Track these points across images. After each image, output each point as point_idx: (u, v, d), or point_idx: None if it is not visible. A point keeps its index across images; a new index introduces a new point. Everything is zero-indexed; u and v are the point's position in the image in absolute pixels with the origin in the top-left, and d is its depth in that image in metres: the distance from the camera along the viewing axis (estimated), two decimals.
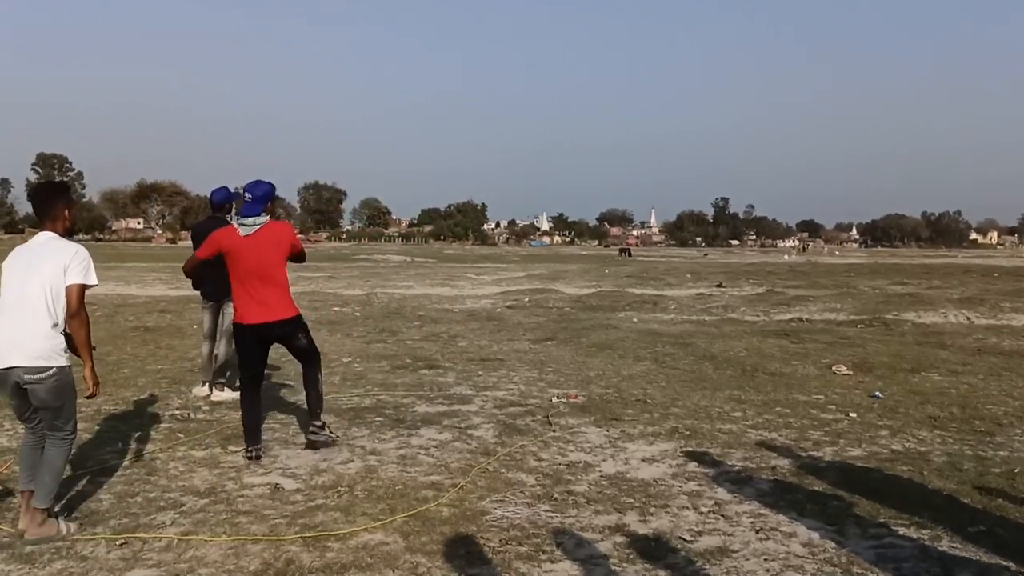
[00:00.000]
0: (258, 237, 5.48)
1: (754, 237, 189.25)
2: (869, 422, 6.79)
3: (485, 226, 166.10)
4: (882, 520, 4.45)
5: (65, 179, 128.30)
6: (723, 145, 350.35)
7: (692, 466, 5.49)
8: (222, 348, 7.63)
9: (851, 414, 7.05)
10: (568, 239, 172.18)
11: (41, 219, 4.37)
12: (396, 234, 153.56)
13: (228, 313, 7.58)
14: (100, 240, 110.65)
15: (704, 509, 4.65)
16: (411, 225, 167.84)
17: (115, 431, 6.24)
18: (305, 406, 6.03)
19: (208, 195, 7.96)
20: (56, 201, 4.38)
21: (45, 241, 4.31)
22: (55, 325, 4.17)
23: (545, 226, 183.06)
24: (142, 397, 7.56)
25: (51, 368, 4.12)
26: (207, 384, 7.65)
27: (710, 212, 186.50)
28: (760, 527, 4.35)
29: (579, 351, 10.88)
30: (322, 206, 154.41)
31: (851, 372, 9.21)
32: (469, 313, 16.44)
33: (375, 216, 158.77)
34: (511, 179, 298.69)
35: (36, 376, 4.09)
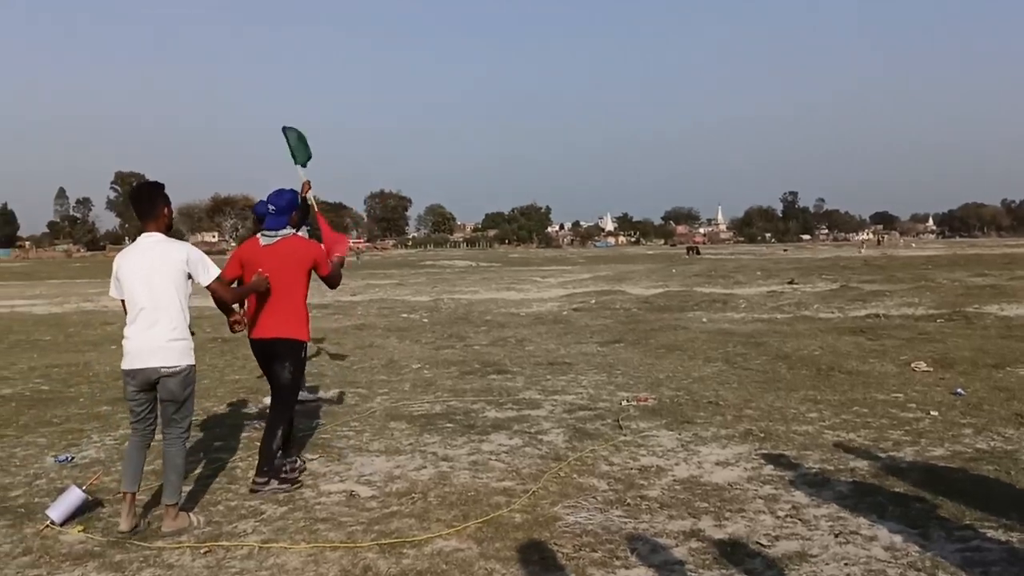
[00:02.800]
0: (277, 249, 5.26)
1: (826, 231, 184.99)
2: (951, 420, 6.58)
3: (549, 228, 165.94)
4: (968, 522, 4.30)
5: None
6: (790, 137, 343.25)
7: (768, 469, 5.40)
8: None
9: (932, 412, 6.84)
10: (633, 239, 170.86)
11: (144, 219, 4.60)
12: (461, 239, 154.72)
13: None
14: None
15: (781, 513, 4.56)
16: (475, 230, 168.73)
17: (197, 441, 6.42)
18: (377, 412, 6.12)
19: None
20: (157, 200, 4.62)
21: (155, 243, 4.54)
22: (184, 325, 4.53)
23: (610, 227, 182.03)
24: (221, 407, 7.78)
25: (183, 365, 4.51)
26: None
27: (779, 207, 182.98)
28: (840, 531, 4.26)
29: (648, 353, 10.79)
30: (388, 214, 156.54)
31: (931, 369, 8.93)
32: (535, 317, 16.46)
33: (440, 222, 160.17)
34: (574, 180, 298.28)
35: (172, 370, 4.45)
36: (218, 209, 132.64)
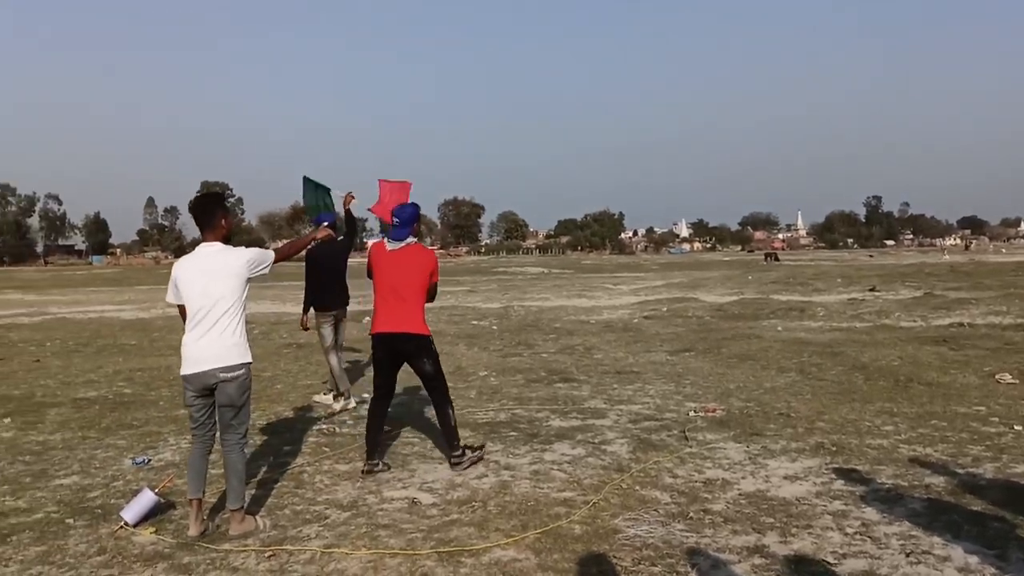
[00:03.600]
0: (403, 254, 5.73)
1: (911, 236, 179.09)
2: None
3: (622, 235, 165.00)
4: None
5: (227, 204, 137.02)
6: (873, 140, 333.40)
7: (838, 484, 5.24)
8: (340, 359, 8.31)
9: (1016, 427, 6.54)
10: (709, 245, 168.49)
11: (202, 229, 4.72)
12: (533, 246, 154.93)
13: (343, 329, 8.30)
14: None
15: (850, 530, 4.42)
16: (548, 236, 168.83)
17: (267, 445, 6.58)
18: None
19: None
20: (215, 211, 4.74)
21: (214, 252, 4.67)
22: (241, 329, 4.66)
23: (684, 233, 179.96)
24: (292, 412, 7.95)
25: (242, 366, 4.62)
26: (345, 395, 8.07)
27: (861, 212, 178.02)
28: (911, 550, 4.10)
29: (719, 362, 10.61)
30: (461, 221, 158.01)
31: (1017, 381, 8.54)
32: (605, 324, 16.36)
33: (512, 229, 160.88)
34: (649, 186, 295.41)
35: (230, 374, 4.56)
36: (297, 217, 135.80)
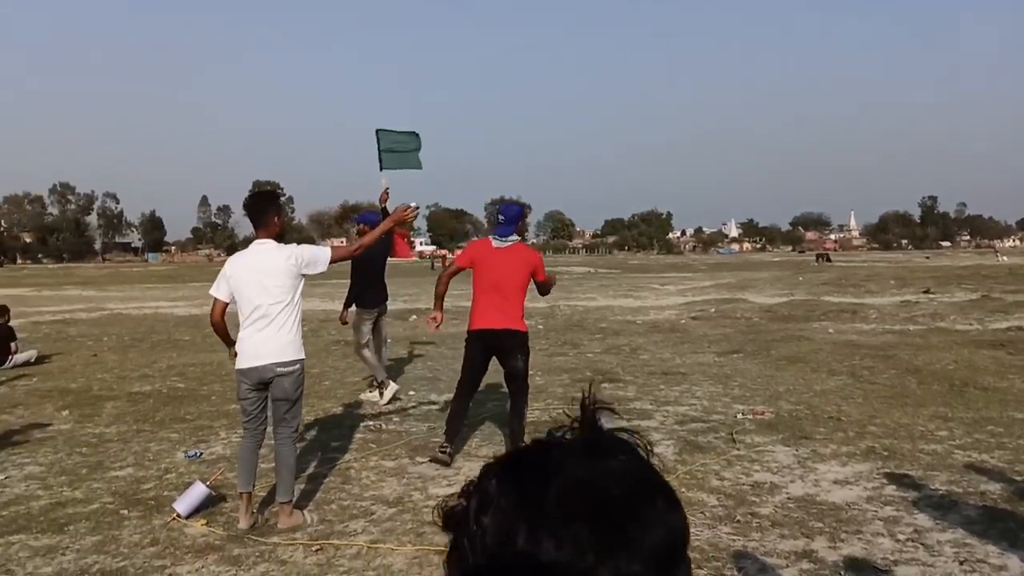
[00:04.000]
0: (508, 252, 5.87)
1: (967, 238, 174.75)
2: None
3: (670, 235, 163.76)
4: None
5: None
6: (930, 139, 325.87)
7: (890, 489, 5.14)
8: (384, 355, 8.53)
9: None
10: (758, 246, 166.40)
11: (256, 227, 4.84)
12: (580, 245, 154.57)
13: (383, 326, 8.36)
14: None
15: (902, 536, 4.33)
16: (595, 236, 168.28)
17: (315, 441, 6.67)
18: (488, 418, 6.19)
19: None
20: (267, 209, 4.85)
21: (267, 250, 4.76)
22: (297, 326, 4.75)
23: (733, 233, 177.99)
24: (340, 408, 8.04)
25: (297, 361, 4.72)
26: (385, 383, 8.17)
27: (916, 212, 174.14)
28: (965, 558, 4.00)
29: (767, 364, 10.47)
30: None
31: None
32: (652, 324, 16.25)
33: (559, 228, 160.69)
34: (697, 186, 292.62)
35: (286, 369, 4.66)
36: (346, 216, 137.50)
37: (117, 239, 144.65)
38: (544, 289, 6.16)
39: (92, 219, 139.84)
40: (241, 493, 4.70)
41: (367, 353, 8.25)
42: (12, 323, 11.96)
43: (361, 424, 7.33)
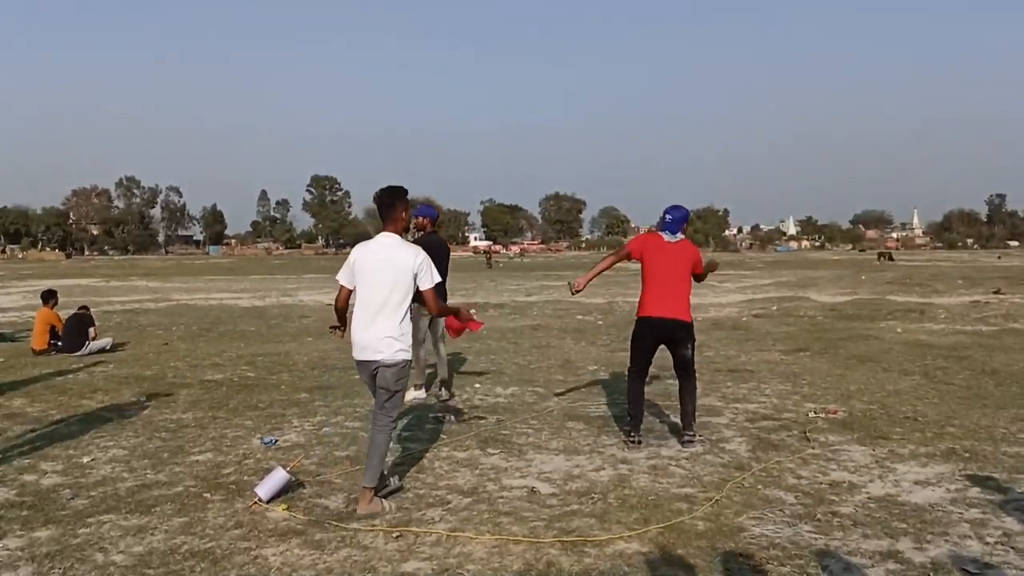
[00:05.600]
0: (678, 247, 6.35)
1: None
2: None
3: (726, 232, 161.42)
4: None
5: (335, 198, 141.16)
6: (997, 135, 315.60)
7: (974, 491, 5.01)
8: (442, 350, 8.33)
9: None
10: (817, 243, 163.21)
11: (384, 220, 5.03)
12: None
13: (440, 323, 8.15)
14: None
15: (990, 539, 4.22)
16: (650, 231, 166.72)
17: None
18: (555, 412, 6.16)
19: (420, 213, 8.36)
20: (395, 204, 5.02)
21: (392, 244, 4.95)
22: (405, 323, 4.89)
23: (792, 230, 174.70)
24: (408, 400, 8.10)
25: (400, 360, 4.86)
26: (418, 386, 8.17)
27: (983, 210, 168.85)
28: None
29: (836, 363, 10.28)
30: (562, 216, 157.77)
31: None
32: (713, 322, 16.07)
33: (614, 224, 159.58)
34: (755, 182, 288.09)
35: (391, 360, 4.83)
36: None
37: (179, 232, 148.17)
38: (701, 278, 6.56)
39: (156, 212, 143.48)
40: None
41: (420, 353, 8.12)
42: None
43: (429, 415, 7.39)
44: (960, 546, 4.14)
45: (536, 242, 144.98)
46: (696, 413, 6.41)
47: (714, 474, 5.44)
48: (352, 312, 4.97)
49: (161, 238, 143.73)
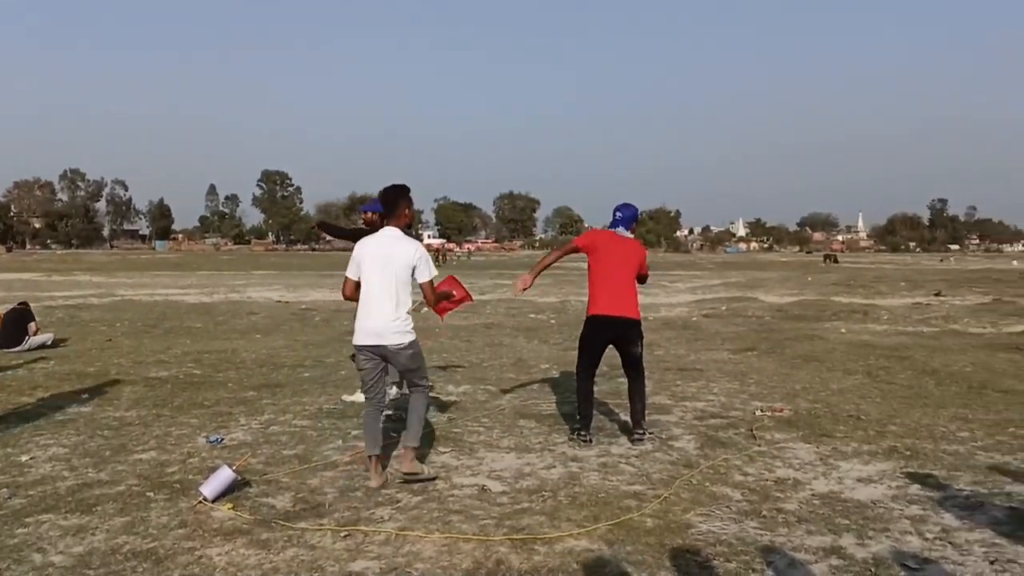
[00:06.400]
0: (628, 245, 6.40)
1: (976, 241, 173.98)
2: None
3: (678, 233, 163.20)
4: None
5: (286, 193, 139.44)
6: (939, 143, 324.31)
7: (914, 488, 5.13)
8: None
9: None
10: (766, 245, 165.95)
11: (387, 216, 5.36)
12: None
13: None
14: (316, 250, 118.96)
15: (930, 535, 4.33)
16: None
17: (336, 429, 6.67)
18: (507, 410, 6.17)
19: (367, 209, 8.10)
20: (399, 201, 5.34)
21: (394, 238, 5.25)
22: (406, 308, 5.18)
23: (741, 232, 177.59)
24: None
25: (407, 342, 5.18)
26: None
27: (925, 215, 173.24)
28: (995, 558, 3.99)
29: (783, 362, 10.46)
30: (516, 215, 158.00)
31: None
32: (664, 321, 16.23)
33: (567, 224, 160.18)
34: (705, 184, 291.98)
35: (399, 349, 5.16)
36: (353, 208, 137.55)
37: (125, 226, 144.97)
38: (643, 279, 6.57)
39: (101, 206, 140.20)
40: (369, 456, 5.22)
41: None
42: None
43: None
44: (901, 542, 4.24)
45: (490, 241, 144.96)
46: (646, 411, 6.45)
47: (663, 471, 5.49)
48: (361, 300, 5.23)
49: (106, 232, 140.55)
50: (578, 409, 6.43)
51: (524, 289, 6.40)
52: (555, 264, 6.67)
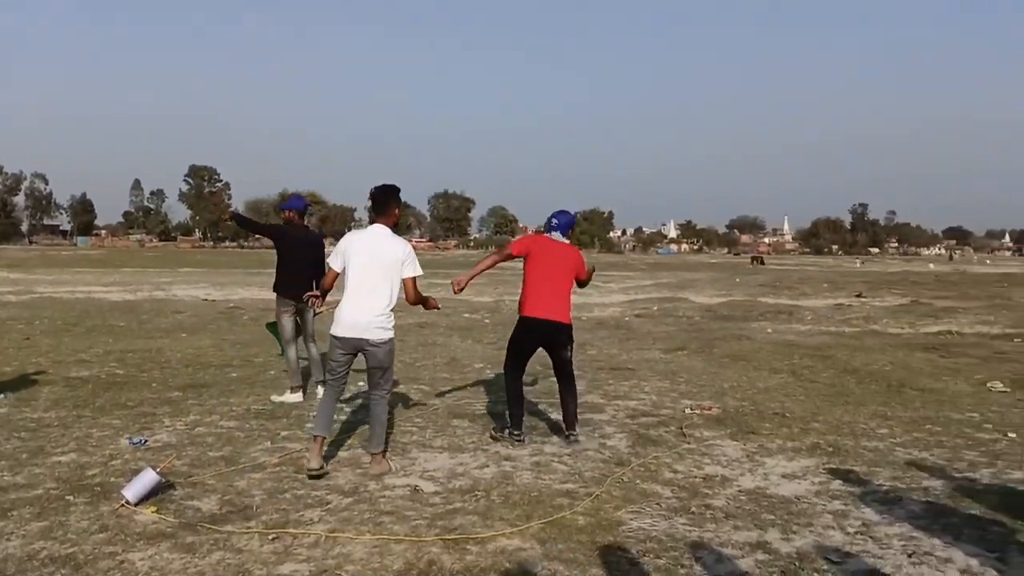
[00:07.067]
0: (563, 250, 6.41)
1: (895, 245, 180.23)
2: None
3: (611, 234, 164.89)
4: None
5: (214, 189, 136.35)
6: (862, 151, 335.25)
7: (836, 484, 5.28)
8: (313, 350, 7.96)
9: (1010, 434, 6.62)
10: (696, 247, 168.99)
11: (377, 214, 5.47)
12: None
13: (309, 318, 7.86)
14: (244, 248, 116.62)
15: (851, 530, 4.46)
16: (537, 232, 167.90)
17: (264, 430, 6.55)
18: (440, 410, 6.14)
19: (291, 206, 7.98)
20: (388, 200, 5.46)
21: (383, 236, 5.38)
22: (389, 305, 5.32)
23: (672, 234, 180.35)
24: (288, 398, 7.89)
25: (387, 338, 5.34)
26: (296, 388, 7.73)
27: (847, 219, 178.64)
28: (912, 551, 4.14)
29: (711, 362, 10.66)
30: (451, 214, 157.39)
31: (1008, 389, 8.64)
32: (597, 322, 16.39)
33: (502, 224, 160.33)
34: (638, 186, 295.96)
35: (380, 344, 5.31)
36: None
37: (45, 221, 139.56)
38: (584, 283, 6.63)
39: (19, 200, 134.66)
40: (315, 436, 5.29)
41: (291, 353, 7.70)
42: None
43: (310, 414, 7.20)
44: (823, 536, 4.36)
45: (425, 240, 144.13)
46: (578, 412, 6.48)
47: (595, 470, 5.53)
48: (345, 293, 5.34)
49: (25, 227, 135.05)
50: (509, 409, 6.41)
51: (461, 289, 6.41)
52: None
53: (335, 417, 6.17)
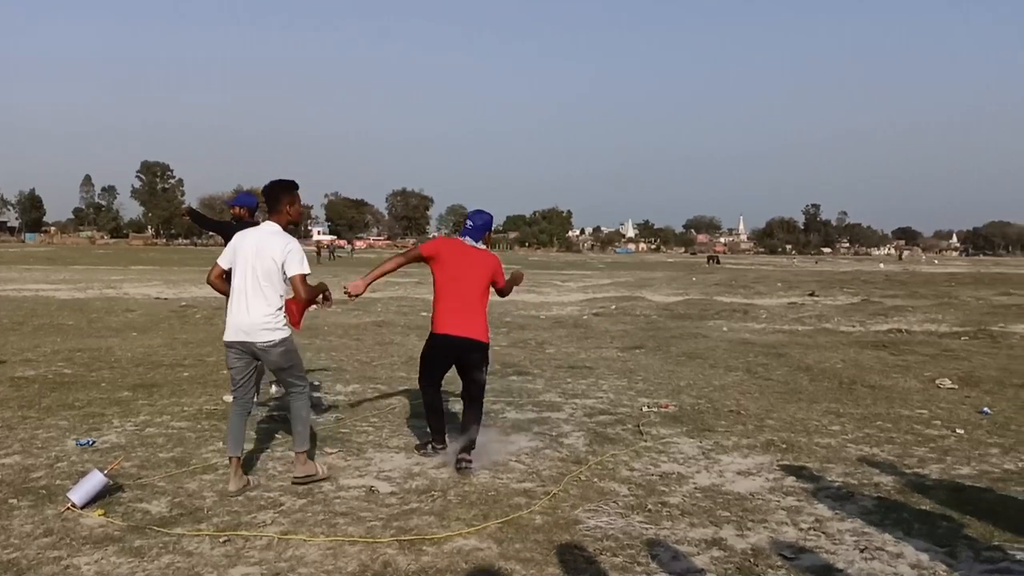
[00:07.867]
0: (478, 256, 5.72)
1: (847, 245, 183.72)
2: (978, 439, 6.49)
3: (570, 233, 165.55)
4: (996, 543, 4.23)
5: (167, 186, 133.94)
6: (815, 152, 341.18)
7: (790, 480, 5.34)
8: None
9: (958, 430, 6.75)
10: (654, 246, 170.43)
11: (269, 211, 5.17)
12: None
13: None
14: (198, 245, 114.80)
15: (804, 525, 4.51)
16: (496, 231, 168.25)
17: (217, 430, 6.43)
18: (397, 409, 6.09)
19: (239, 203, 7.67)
20: (280, 197, 5.12)
21: (269, 233, 5.04)
22: (275, 306, 4.98)
23: (630, 233, 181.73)
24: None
25: (276, 339, 4.98)
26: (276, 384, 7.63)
27: (800, 219, 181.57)
28: (865, 546, 4.19)
29: (668, 360, 10.73)
30: (409, 212, 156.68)
31: (956, 386, 8.82)
32: (555, 320, 16.42)
33: (460, 222, 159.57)
34: (596, 186, 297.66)
35: (268, 346, 4.98)
36: None
37: None
38: (505, 292, 6.00)
39: None
40: (230, 457, 5.00)
41: None
42: None
43: (263, 414, 7.11)
44: (778, 532, 4.40)
45: (382, 238, 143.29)
46: (476, 440, 5.69)
47: (553, 468, 5.53)
48: (232, 293, 5.05)
49: None
50: (428, 423, 5.97)
51: (357, 295, 5.63)
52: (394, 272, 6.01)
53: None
